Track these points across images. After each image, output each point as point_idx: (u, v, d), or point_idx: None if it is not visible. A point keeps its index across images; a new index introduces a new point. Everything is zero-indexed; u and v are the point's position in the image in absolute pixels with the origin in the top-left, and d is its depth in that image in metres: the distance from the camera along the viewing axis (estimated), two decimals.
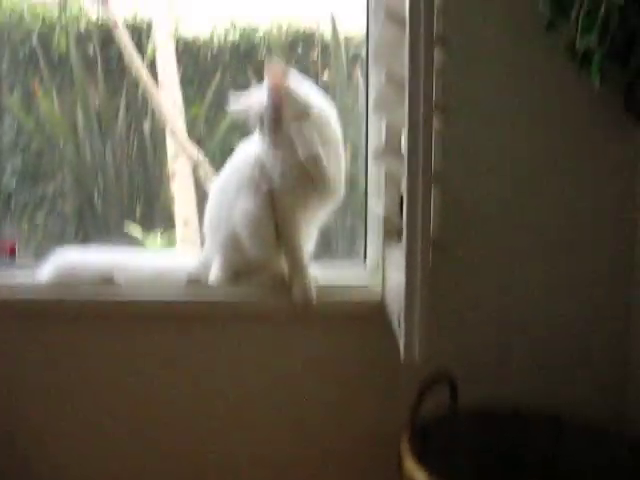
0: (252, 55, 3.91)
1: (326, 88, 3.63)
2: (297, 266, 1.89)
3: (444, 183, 1.37)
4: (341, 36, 3.60)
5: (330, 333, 2.00)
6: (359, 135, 1.99)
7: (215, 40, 3.95)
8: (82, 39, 3.80)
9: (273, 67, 1.76)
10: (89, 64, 3.73)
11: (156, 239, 3.12)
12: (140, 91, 3.64)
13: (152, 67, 3.67)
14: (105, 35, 3.78)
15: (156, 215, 3.72)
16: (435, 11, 1.20)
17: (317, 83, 3.57)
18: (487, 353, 1.95)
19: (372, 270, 2.06)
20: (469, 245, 1.91)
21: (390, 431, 1.73)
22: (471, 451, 1.83)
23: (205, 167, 3.38)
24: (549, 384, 1.94)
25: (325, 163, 1.80)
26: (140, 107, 3.73)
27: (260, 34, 3.96)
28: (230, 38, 3.96)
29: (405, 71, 1.22)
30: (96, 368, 2.03)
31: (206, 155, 3.47)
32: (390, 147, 1.71)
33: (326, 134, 1.84)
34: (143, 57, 3.60)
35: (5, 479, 2.05)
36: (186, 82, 3.79)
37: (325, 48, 3.79)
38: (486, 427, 1.87)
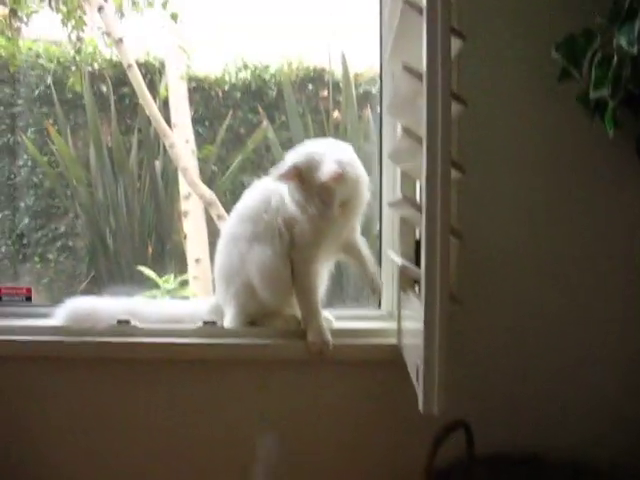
0: (263, 93, 3.95)
1: (336, 125, 3.67)
2: (312, 310, 1.90)
3: (461, 234, 1.37)
4: (351, 72, 3.62)
5: (345, 376, 1.99)
6: (373, 179, 2.00)
7: (226, 78, 4.00)
8: (95, 78, 3.86)
9: (331, 172, 1.70)
10: (102, 103, 3.78)
11: (169, 279, 3.13)
12: (152, 130, 3.67)
13: (165, 106, 3.72)
14: (118, 74, 3.84)
15: (168, 253, 3.74)
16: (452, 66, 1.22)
17: (327, 121, 3.65)
18: (503, 399, 1.94)
19: (387, 315, 2.07)
20: (484, 293, 1.91)
21: (406, 477, 1.72)
22: None
23: (217, 206, 3.40)
24: (565, 430, 1.93)
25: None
26: (152, 146, 3.77)
27: (271, 71, 4.00)
28: (241, 76, 4.01)
29: (422, 125, 1.23)
30: (112, 409, 2.03)
31: (217, 194, 3.49)
32: (405, 195, 1.72)
33: (361, 198, 1.86)
34: (155, 96, 3.64)
35: None
36: (198, 121, 3.84)
37: (335, 85, 3.82)
38: (503, 473, 1.86)
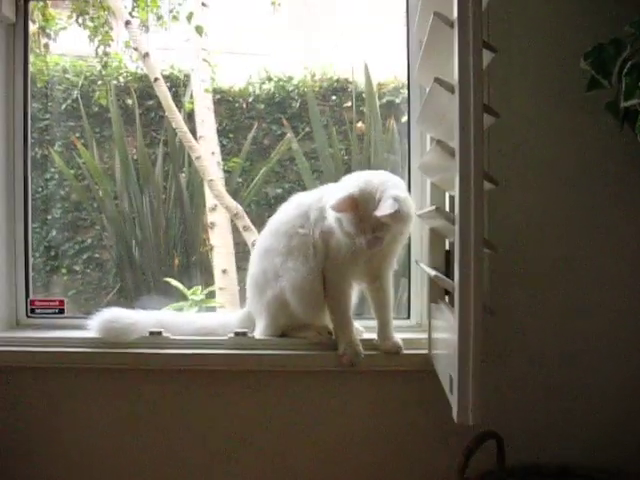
0: (286, 104, 3.97)
1: (361, 136, 3.68)
2: (343, 322, 1.91)
3: (495, 245, 1.38)
4: (374, 82, 3.62)
5: (375, 386, 2.00)
6: None
7: (250, 89, 4.02)
8: (121, 92, 3.89)
9: (390, 210, 1.68)
10: (127, 116, 3.82)
11: (197, 290, 3.14)
12: (177, 142, 3.70)
13: (189, 118, 3.74)
14: (143, 87, 3.87)
15: (193, 264, 3.76)
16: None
17: (351, 131, 3.66)
18: (534, 411, 1.94)
19: (416, 325, 2.09)
20: (516, 304, 1.92)
21: None
22: None
23: (243, 218, 3.41)
24: (596, 442, 1.91)
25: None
26: (178, 158, 3.79)
27: (294, 83, 4.01)
28: (265, 87, 4.03)
29: (455, 137, 1.24)
30: (144, 420, 2.06)
31: (242, 205, 3.50)
32: (438, 207, 1.72)
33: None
34: (180, 109, 3.67)
35: None
36: (221, 133, 3.86)
37: (359, 96, 3.83)
38: None
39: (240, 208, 3.44)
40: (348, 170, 3.60)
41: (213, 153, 3.65)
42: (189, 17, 3.72)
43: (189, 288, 3.21)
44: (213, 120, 3.74)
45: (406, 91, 2.16)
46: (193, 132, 3.63)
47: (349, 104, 3.87)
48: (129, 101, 3.87)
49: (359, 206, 1.74)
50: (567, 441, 1.92)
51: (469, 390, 1.23)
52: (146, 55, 3.60)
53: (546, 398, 1.93)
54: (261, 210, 3.74)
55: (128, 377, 2.03)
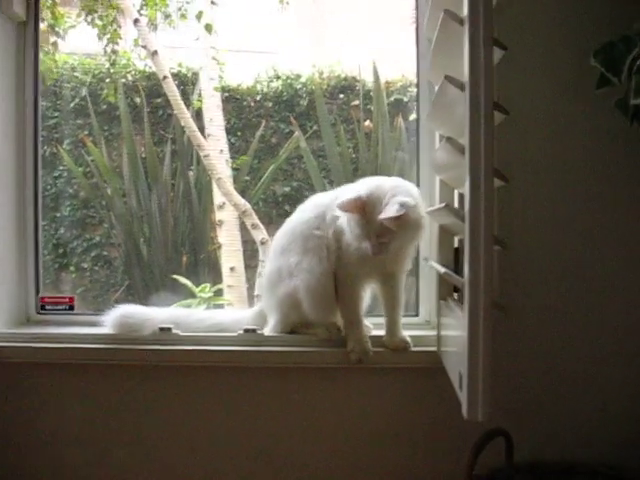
0: (294, 102, 3.97)
1: (368, 134, 3.69)
2: (354, 320, 1.91)
3: (505, 243, 1.38)
4: (382, 80, 3.63)
5: (384, 383, 2.00)
6: None
7: (258, 88, 4.03)
8: (130, 90, 3.91)
9: (393, 214, 1.66)
10: (136, 114, 3.83)
11: (205, 287, 3.15)
12: (185, 140, 3.71)
13: (197, 116, 3.75)
14: (151, 85, 3.89)
15: (201, 262, 3.77)
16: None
17: (359, 129, 3.66)
18: (543, 408, 1.94)
19: (425, 323, 2.09)
20: (526, 301, 1.91)
21: None
22: None
23: (252, 216, 3.42)
24: (605, 440, 1.91)
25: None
26: (186, 156, 3.81)
27: (302, 81, 4.02)
28: (273, 85, 4.03)
29: (465, 134, 1.24)
30: (155, 415, 2.06)
31: (250, 203, 3.51)
32: (448, 204, 1.72)
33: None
34: (188, 107, 3.68)
35: None
36: (229, 130, 3.87)
37: (367, 94, 3.84)
38: None
39: (248, 206, 3.45)
40: (356, 168, 3.62)
41: (221, 151, 3.66)
42: (199, 15, 3.73)
43: (197, 286, 3.22)
44: (221, 118, 3.76)
45: (414, 89, 2.16)
46: (201, 130, 3.64)
47: (357, 102, 3.87)
48: (137, 99, 3.89)
49: (366, 208, 1.72)
50: (575, 439, 1.92)
51: (479, 386, 1.23)
52: (154, 53, 3.62)
53: (555, 396, 1.93)
54: (269, 208, 3.75)
55: (138, 373, 2.04)
